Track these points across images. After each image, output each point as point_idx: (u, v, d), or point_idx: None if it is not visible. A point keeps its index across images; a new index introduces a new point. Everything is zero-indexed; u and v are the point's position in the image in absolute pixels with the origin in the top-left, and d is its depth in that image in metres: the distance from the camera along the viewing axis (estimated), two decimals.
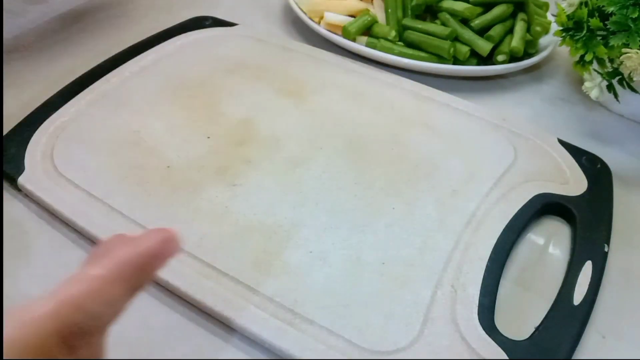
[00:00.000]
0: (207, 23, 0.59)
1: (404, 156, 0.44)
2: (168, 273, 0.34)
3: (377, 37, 0.58)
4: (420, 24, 0.57)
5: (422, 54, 0.56)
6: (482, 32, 0.56)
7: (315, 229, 0.38)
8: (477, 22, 0.56)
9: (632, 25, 0.43)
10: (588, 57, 0.47)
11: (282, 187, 0.41)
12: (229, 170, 0.42)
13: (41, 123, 0.44)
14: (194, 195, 0.39)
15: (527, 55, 0.58)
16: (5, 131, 0.44)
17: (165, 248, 0.24)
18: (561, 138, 0.47)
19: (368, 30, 0.59)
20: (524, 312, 0.35)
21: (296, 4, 0.62)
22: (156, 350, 0.32)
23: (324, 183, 0.41)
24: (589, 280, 0.36)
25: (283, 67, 0.52)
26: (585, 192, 0.42)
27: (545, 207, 0.41)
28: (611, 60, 0.47)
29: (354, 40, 0.58)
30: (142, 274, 0.23)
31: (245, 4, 0.69)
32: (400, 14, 0.59)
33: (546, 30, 0.59)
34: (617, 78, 0.48)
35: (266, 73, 0.52)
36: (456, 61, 0.56)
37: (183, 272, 0.34)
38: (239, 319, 0.32)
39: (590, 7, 0.47)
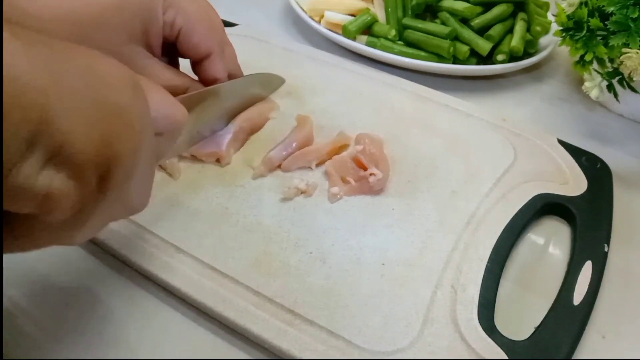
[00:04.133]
0: None
1: (404, 156, 0.44)
2: (168, 274, 0.34)
3: (377, 36, 0.58)
4: (420, 23, 0.57)
5: (422, 53, 0.56)
6: (482, 31, 0.56)
7: (315, 229, 0.38)
8: (477, 22, 0.56)
9: (632, 25, 0.43)
10: (588, 57, 0.47)
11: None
12: (228, 170, 0.42)
13: None
14: (193, 195, 0.39)
15: (527, 55, 0.58)
16: None
17: None
18: (561, 138, 0.47)
19: (368, 29, 0.59)
20: (524, 312, 0.35)
21: (297, 2, 0.62)
22: (156, 350, 0.32)
23: (324, 183, 0.41)
24: (589, 280, 0.36)
25: (283, 68, 0.52)
26: (585, 192, 0.42)
27: (545, 207, 0.41)
28: (611, 60, 0.47)
29: (354, 39, 0.58)
30: None
31: (245, 3, 0.69)
32: (400, 13, 0.59)
33: (546, 30, 0.59)
34: (617, 78, 0.48)
35: None
36: (456, 60, 0.56)
37: (183, 273, 0.34)
38: (239, 319, 0.32)
39: (590, 7, 0.47)
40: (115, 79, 0.24)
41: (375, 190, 0.40)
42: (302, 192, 0.40)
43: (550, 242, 0.40)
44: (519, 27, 0.57)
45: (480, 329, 0.32)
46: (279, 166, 0.42)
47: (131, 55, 0.36)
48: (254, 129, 0.45)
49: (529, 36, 0.58)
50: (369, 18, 0.58)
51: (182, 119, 0.30)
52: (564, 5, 0.50)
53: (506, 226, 0.38)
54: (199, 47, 0.40)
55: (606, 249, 0.38)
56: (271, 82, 0.49)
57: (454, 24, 0.56)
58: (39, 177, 0.20)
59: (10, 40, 0.20)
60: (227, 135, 0.42)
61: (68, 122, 0.21)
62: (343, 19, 0.59)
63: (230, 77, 0.43)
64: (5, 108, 0.18)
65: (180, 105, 0.31)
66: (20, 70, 0.19)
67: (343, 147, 0.43)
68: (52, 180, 0.21)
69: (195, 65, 0.42)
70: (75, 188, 0.22)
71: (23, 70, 0.19)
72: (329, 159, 0.42)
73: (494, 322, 0.33)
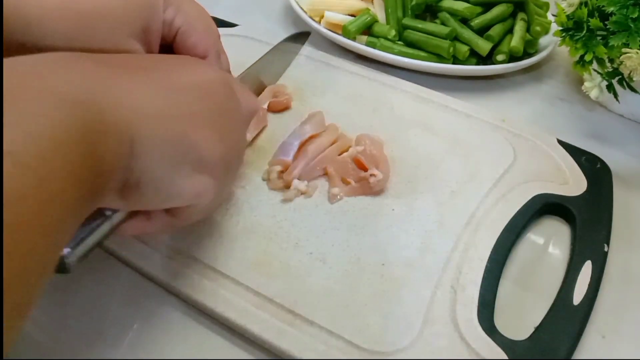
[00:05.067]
0: None
1: (404, 157, 0.44)
2: (169, 274, 0.34)
3: (377, 37, 0.58)
4: (420, 24, 0.57)
5: (422, 54, 0.56)
6: (481, 31, 0.56)
7: (315, 230, 0.38)
8: (476, 22, 0.56)
9: (632, 25, 0.43)
10: (588, 57, 0.47)
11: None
12: None
13: None
14: None
15: (526, 55, 0.58)
16: None
17: None
18: (561, 138, 0.47)
19: (368, 29, 0.59)
20: (523, 312, 0.35)
21: (297, 3, 0.62)
22: (156, 350, 0.32)
23: (324, 184, 0.41)
24: (588, 280, 0.36)
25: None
26: (585, 192, 0.42)
27: (544, 207, 0.41)
28: (611, 60, 0.47)
29: (354, 39, 0.58)
30: None
31: (245, 3, 0.69)
32: (400, 13, 0.59)
33: (546, 30, 0.59)
34: (617, 78, 0.48)
35: None
36: (456, 61, 0.56)
37: (184, 273, 0.34)
38: (239, 320, 0.32)
39: (590, 7, 0.47)
40: (214, 83, 0.30)
41: (376, 190, 0.40)
42: (302, 193, 0.40)
43: (550, 242, 0.40)
44: (519, 27, 0.57)
45: (480, 329, 0.32)
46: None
47: (130, 51, 0.36)
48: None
49: (528, 36, 0.58)
50: (368, 18, 0.58)
51: (258, 106, 0.37)
52: (563, 5, 0.50)
53: (506, 226, 0.39)
54: (196, 48, 0.40)
55: (606, 249, 0.38)
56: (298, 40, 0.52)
57: (454, 24, 0.56)
58: (190, 183, 0.27)
59: (144, 87, 0.26)
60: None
61: (199, 137, 0.27)
62: (343, 19, 0.59)
63: None
64: (162, 140, 0.25)
65: (254, 96, 0.37)
66: (162, 107, 0.26)
67: (345, 149, 0.44)
68: (200, 182, 0.28)
69: None
70: (214, 182, 0.29)
71: (163, 105, 0.26)
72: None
73: (493, 322, 0.33)
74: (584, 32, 0.47)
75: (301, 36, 0.54)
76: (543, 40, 0.60)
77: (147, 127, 0.24)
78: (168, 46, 0.40)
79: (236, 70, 0.47)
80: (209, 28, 0.41)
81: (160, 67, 0.29)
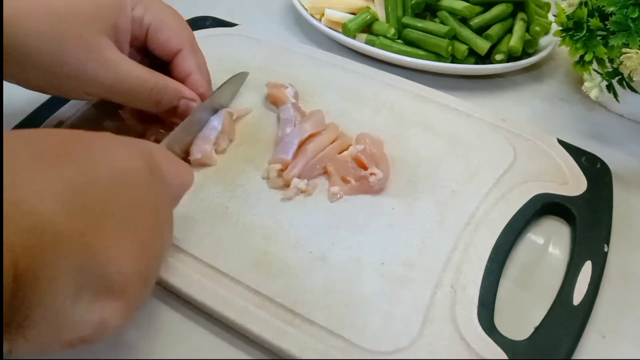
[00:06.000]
0: (207, 23, 0.59)
1: (404, 156, 0.44)
2: (169, 273, 0.34)
3: (376, 35, 0.58)
4: (419, 22, 0.57)
5: (421, 52, 0.56)
6: (480, 31, 0.56)
7: (315, 229, 0.38)
8: (476, 21, 0.56)
9: (632, 25, 0.43)
10: (588, 57, 0.47)
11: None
12: (229, 170, 0.42)
13: (43, 121, 0.44)
14: (193, 196, 0.39)
15: (526, 54, 0.58)
16: (6, 129, 0.44)
17: None
18: (561, 138, 0.46)
19: (368, 27, 0.59)
20: (523, 312, 0.35)
21: (298, 0, 0.62)
22: (156, 350, 0.32)
23: (323, 183, 0.41)
24: (588, 280, 0.36)
25: (283, 68, 0.52)
26: (584, 192, 0.42)
27: (544, 207, 0.41)
28: (611, 60, 0.47)
29: (353, 37, 0.58)
30: None
31: (245, 3, 0.69)
32: (400, 12, 0.59)
33: (546, 30, 0.59)
34: (617, 78, 0.48)
35: (266, 74, 0.51)
36: (454, 60, 0.56)
37: (183, 272, 0.34)
38: (239, 319, 0.32)
39: (590, 7, 0.47)
40: (135, 171, 0.25)
41: (376, 189, 0.40)
42: (302, 192, 0.40)
43: (550, 242, 0.40)
44: (518, 27, 0.57)
45: (480, 328, 0.32)
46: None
47: (101, 47, 0.36)
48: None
49: (528, 36, 0.58)
50: (369, 16, 0.58)
51: (192, 181, 0.33)
52: (563, 5, 0.50)
53: (506, 226, 0.38)
54: (170, 43, 0.40)
55: (606, 249, 0.38)
56: (240, 79, 0.50)
57: (453, 23, 0.56)
58: (92, 312, 0.22)
59: (35, 176, 0.20)
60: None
61: (108, 251, 0.22)
62: (343, 17, 0.59)
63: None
64: (49, 258, 0.19)
65: (189, 169, 0.33)
66: (64, 219, 0.20)
67: (345, 148, 0.44)
68: (105, 310, 0.23)
69: (167, 67, 0.42)
70: (125, 305, 0.24)
71: (66, 215, 0.20)
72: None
73: (493, 322, 0.33)
74: (584, 32, 0.47)
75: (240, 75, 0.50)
76: (543, 40, 0.60)
77: (38, 254, 0.19)
78: (143, 47, 0.40)
79: (237, 69, 0.47)
80: (182, 25, 0.41)
81: (74, 152, 0.24)
